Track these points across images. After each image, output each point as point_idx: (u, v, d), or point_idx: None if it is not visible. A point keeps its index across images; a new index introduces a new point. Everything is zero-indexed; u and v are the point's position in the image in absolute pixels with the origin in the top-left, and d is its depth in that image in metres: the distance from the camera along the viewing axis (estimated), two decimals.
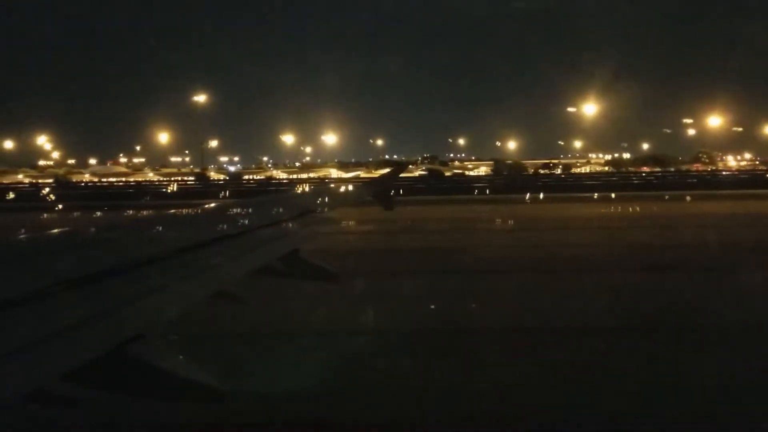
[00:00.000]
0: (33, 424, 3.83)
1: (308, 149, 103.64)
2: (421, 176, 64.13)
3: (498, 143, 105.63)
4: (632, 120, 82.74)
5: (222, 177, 71.88)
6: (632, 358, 6.69)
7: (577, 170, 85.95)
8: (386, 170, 11.88)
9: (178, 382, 1.81)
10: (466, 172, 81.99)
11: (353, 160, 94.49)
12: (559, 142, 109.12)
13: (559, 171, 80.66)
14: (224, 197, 34.85)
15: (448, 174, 72.90)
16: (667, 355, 6.72)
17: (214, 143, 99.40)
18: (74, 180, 70.36)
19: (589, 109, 79.20)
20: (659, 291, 10.03)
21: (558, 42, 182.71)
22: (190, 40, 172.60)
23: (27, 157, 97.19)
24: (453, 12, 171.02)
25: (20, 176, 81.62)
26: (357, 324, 8.06)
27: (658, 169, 78.18)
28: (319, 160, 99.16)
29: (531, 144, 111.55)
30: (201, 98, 71.77)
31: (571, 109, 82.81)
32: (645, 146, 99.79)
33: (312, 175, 75.79)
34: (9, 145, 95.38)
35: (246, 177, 71.47)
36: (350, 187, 6.08)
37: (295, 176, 72.78)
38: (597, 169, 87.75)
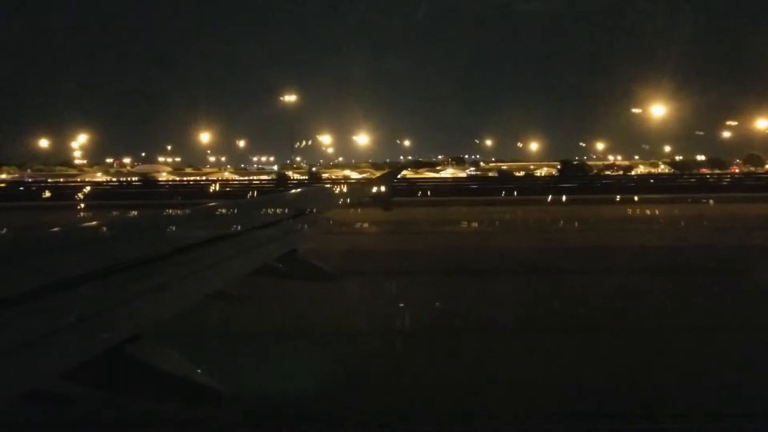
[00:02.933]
0: (31, 423, 3.88)
1: (330, 150, 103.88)
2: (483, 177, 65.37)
3: (519, 144, 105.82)
4: (656, 122, 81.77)
5: (300, 176, 72.64)
6: None
7: (637, 172, 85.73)
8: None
9: (175, 382, 1.82)
10: (536, 173, 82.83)
11: (370, 161, 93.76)
12: (581, 144, 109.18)
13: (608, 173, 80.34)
14: None
15: (518, 174, 74.13)
16: None
17: (241, 143, 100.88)
18: (158, 179, 73.28)
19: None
20: None
21: (579, 44, 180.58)
22: (219, 41, 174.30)
23: (53, 156, 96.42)
24: (477, 15, 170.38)
25: (99, 174, 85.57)
26: (355, 324, 7.98)
27: (717, 171, 77.68)
28: (335, 161, 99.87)
29: (551, 146, 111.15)
30: (291, 98, 72.82)
31: (636, 110, 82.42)
32: (667, 149, 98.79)
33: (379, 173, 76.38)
34: (26, 144, 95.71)
35: (324, 176, 73.00)
36: (349, 188, 6.01)
37: (367, 175, 73.74)
38: (654, 171, 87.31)
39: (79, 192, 42.99)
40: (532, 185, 46.03)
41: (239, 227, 2.93)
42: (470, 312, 8.82)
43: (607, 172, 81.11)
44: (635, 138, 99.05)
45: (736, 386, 5.71)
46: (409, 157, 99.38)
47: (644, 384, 5.92)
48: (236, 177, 78.85)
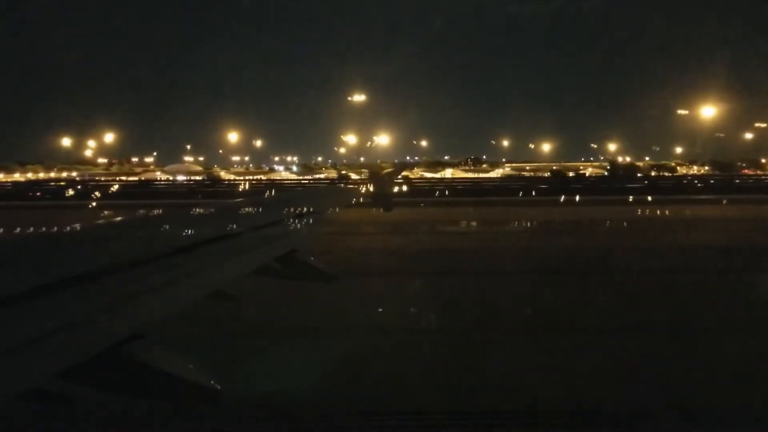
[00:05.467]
0: (30, 423, 3.85)
1: (342, 150, 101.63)
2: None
3: (531, 145, 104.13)
4: (667, 124, 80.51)
5: (357, 176, 70.00)
6: None
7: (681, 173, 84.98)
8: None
9: (173, 381, 1.81)
10: (587, 173, 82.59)
11: (378, 161, 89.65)
12: (592, 145, 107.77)
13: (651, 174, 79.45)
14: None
15: (570, 175, 74.04)
16: None
17: (258, 142, 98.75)
18: (223, 178, 74.59)
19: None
20: None
21: (589, 45, 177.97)
22: (237, 40, 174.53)
23: (62, 155, 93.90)
24: (489, 18, 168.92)
25: (158, 174, 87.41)
26: (354, 326, 7.89)
27: (759, 172, 76.91)
28: (344, 161, 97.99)
29: (562, 147, 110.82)
30: (359, 98, 73.59)
31: (685, 112, 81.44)
32: (678, 150, 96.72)
33: (439, 175, 76.85)
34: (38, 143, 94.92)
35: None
36: (349, 188, 5.89)
37: (433, 176, 73.43)
38: (692, 171, 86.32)
39: (158, 190, 44.15)
40: (606, 186, 45.63)
41: (238, 227, 2.87)
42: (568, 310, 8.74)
43: (653, 173, 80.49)
44: (646, 140, 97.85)
45: None
46: (416, 158, 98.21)
47: None
48: (294, 177, 79.76)
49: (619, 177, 64.22)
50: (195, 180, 69.23)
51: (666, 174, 78.61)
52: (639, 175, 72.96)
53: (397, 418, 5.17)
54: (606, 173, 78.18)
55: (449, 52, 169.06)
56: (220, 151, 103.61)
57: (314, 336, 7.44)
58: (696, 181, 54.24)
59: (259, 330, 7.34)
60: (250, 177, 75.47)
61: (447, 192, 38.63)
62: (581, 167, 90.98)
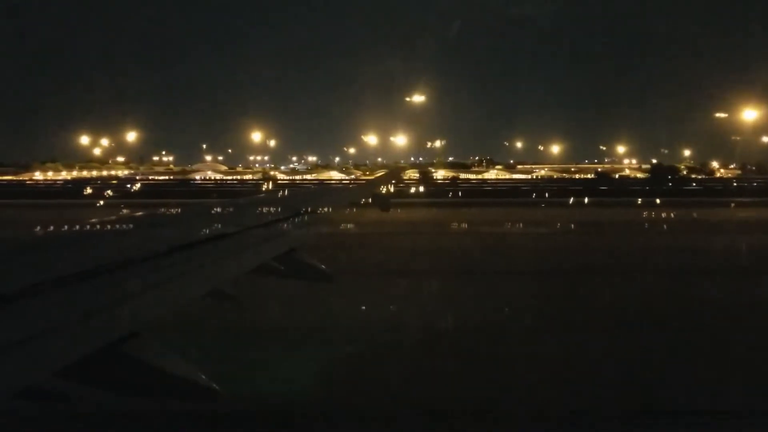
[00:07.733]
0: (27, 421, 3.77)
1: (352, 150, 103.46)
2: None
3: (540, 147, 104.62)
4: (677, 125, 79.66)
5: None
6: None
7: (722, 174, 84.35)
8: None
9: (172, 380, 1.79)
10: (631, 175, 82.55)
11: (381, 160, 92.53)
12: (601, 147, 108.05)
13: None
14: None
15: (615, 175, 74.07)
16: None
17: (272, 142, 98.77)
18: (277, 177, 75.67)
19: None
20: None
21: (596, 47, 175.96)
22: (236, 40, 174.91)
23: (67, 155, 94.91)
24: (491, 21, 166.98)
25: (209, 173, 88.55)
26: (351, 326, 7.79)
27: None
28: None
29: (571, 149, 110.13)
30: (420, 98, 73.96)
31: (721, 115, 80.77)
32: (686, 153, 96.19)
33: (481, 176, 77.16)
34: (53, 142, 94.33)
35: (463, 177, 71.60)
36: (348, 188, 5.77)
37: (468, 177, 73.68)
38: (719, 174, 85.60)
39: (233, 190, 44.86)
40: (668, 188, 45.39)
41: (237, 226, 2.83)
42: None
43: (693, 176, 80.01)
44: (654, 142, 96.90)
45: None
46: (420, 159, 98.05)
47: None
48: (341, 176, 79.98)
49: (661, 179, 63.62)
50: (254, 179, 70.03)
51: (701, 176, 77.92)
52: (678, 177, 72.44)
53: (396, 419, 5.12)
54: (644, 175, 77.53)
55: (460, 55, 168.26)
56: (230, 150, 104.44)
57: (313, 335, 7.37)
58: (746, 184, 53.68)
59: (258, 329, 7.27)
60: (302, 177, 75.88)
61: (521, 193, 38.69)
62: (596, 167, 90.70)
